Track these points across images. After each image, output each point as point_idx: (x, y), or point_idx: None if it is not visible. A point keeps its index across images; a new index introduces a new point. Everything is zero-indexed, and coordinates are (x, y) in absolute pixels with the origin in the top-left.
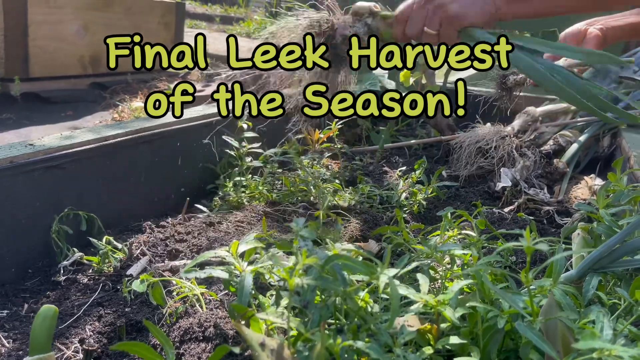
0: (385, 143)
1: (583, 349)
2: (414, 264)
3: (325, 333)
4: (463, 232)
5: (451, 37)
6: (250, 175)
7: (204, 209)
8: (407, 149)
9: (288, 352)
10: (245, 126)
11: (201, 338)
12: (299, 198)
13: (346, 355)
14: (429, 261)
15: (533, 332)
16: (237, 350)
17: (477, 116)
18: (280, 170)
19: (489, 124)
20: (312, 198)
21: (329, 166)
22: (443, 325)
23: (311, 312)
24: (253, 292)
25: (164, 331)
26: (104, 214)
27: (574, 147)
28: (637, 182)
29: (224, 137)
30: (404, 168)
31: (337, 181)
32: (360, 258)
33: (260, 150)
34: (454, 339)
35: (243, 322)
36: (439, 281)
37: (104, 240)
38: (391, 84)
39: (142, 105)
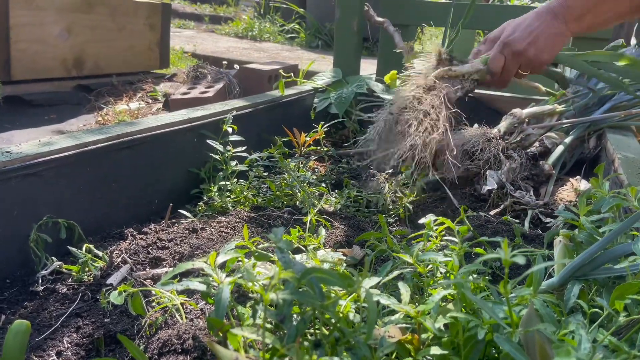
0: None
1: None
2: (396, 272)
3: (300, 348)
4: (445, 238)
5: (541, 72)
6: (235, 180)
7: (188, 214)
8: None
9: None
10: (230, 130)
11: (180, 350)
12: (285, 202)
13: None
14: (412, 269)
15: (511, 345)
16: None
17: (463, 118)
18: (266, 174)
19: (475, 126)
20: (297, 202)
21: (316, 169)
22: (424, 336)
23: (287, 327)
24: (232, 303)
25: (142, 343)
26: (85, 221)
27: (560, 148)
28: (621, 185)
29: (208, 140)
30: (391, 171)
31: (323, 185)
32: (344, 265)
33: (245, 154)
34: (435, 350)
35: (221, 335)
36: (423, 289)
37: (84, 248)
38: (377, 86)
39: (127, 107)
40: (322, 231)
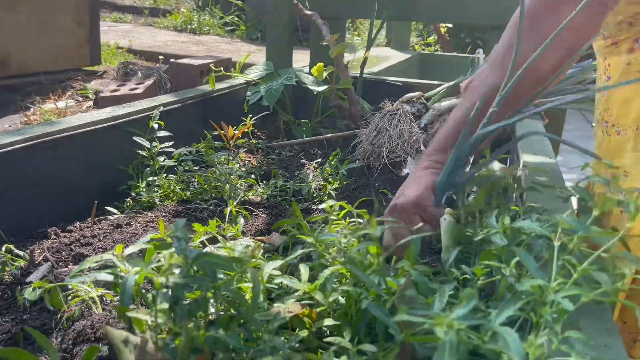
0: (307, 135)
1: (406, 319)
2: (299, 252)
3: (189, 326)
4: (353, 220)
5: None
6: (165, 175)
7: (115, 210)
8: (326, 141)
9: (152, 346)
10: (156, 126)
11: (93, 339)
12: (213, 195)
13: (214, 345)
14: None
15: (381, 310)
16: (105, 349)
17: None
18: (197, 168)
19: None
20: (225, 195)
21: (246, 161)
22: (320, 309)
23: (180, 308)
24: (140, 291)
25: (60, 335)
26: (7, 223)
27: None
28: (519, 163)
29: (134, 137)
30: (320, 160)
31: (252, 176)
32: (261, 252)
33: (172, 149)
34: (329, 321)
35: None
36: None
37: (3, 248)
38: (308, 78)
39: (55, 106)
40: (241, 221)
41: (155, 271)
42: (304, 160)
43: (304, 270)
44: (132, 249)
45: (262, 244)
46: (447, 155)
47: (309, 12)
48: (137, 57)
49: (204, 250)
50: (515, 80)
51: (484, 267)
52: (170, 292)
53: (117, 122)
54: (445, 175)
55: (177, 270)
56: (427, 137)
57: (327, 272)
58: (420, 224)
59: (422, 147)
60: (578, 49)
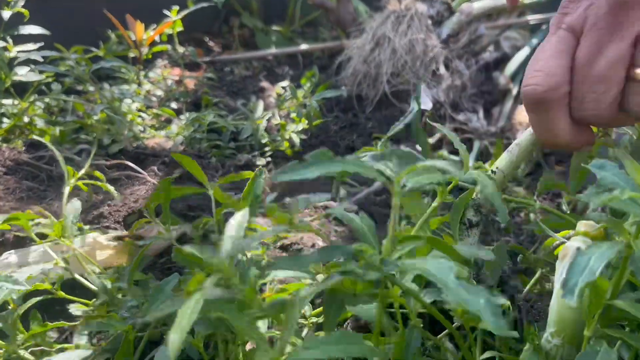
0: (278, 47)
1: None
2: None
3: None
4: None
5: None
6: (34, 98)
7: None
8: (302, 56)
9: None
10: (6, 15)
11: None
12: (97, 135)
13: None
14: None
15: None
16: None
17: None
18: (92, 89)
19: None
20: (111, 137)
21: (171, 81)
22: None
23: None
24: None
25: None
26: None
27: (522, 54)
28: None
29: None
30: (287, 84)
31: (174, 105)
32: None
33: (35, 55)
34: None
35: None
36: None
37: None
38: None
39: None
40: (74, 206)
41: None
42: (264, 83)
43: None
44: None
45: (126, 249)
46: None
47: None
48: None
49: None
50: None
51: None
52: None
53: None
54: None
55: None
56: (449, 55)
57: None
58: None
59: (442, 69)
60: None
